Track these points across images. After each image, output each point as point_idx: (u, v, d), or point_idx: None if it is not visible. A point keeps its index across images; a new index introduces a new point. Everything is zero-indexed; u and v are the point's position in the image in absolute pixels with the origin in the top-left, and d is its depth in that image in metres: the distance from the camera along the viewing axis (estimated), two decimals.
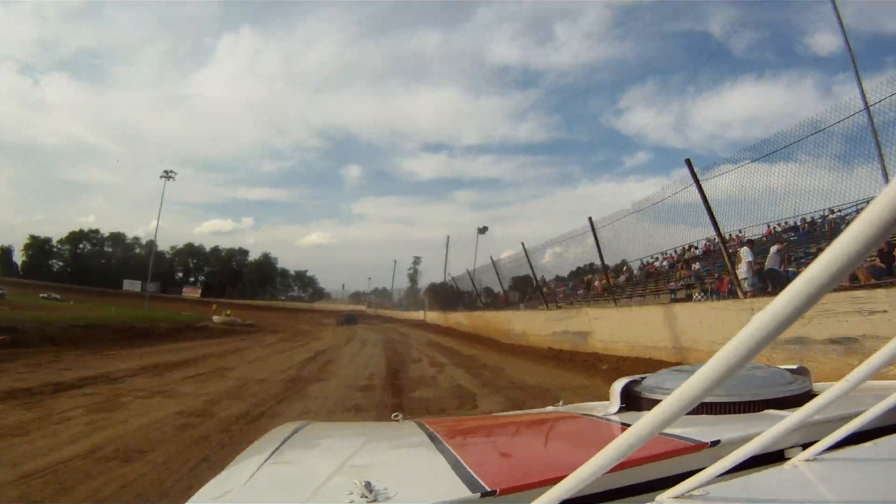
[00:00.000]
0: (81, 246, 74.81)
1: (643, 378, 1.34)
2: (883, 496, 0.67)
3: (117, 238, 75.67)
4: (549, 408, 1.68)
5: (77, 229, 73.53)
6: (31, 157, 75.54)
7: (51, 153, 79.90)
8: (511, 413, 1.82)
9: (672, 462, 0.75)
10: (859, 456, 0.76)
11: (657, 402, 0.43)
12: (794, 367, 1.37)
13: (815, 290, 0.32)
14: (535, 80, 77.97)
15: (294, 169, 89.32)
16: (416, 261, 62.48)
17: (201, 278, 79.56)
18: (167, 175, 44.98)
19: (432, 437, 1.02)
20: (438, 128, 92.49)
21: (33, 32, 73.35)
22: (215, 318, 31.10)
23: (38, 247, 71.52)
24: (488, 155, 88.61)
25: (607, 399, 1.32)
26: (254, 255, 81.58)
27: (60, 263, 73.74)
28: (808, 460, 0.73)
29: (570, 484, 0.49)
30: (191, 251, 79.72)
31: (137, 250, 77.80)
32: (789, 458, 0.76)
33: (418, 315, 41.09)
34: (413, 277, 44.40)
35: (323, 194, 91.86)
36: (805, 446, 0.77)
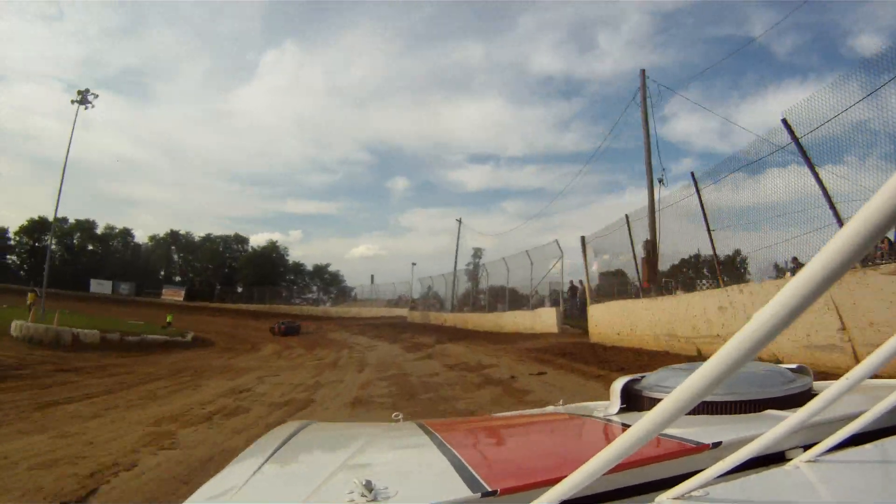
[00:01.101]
0: (44, 238, 61.31)
1: (643, 377, 1.37)
2: (884, 498, 0.69)
3: (85, 227, 61.70)
4: (550, 408, 1.78)
5: (38, 216, 60.05)
6: (79, 173, 76.10)
7: (97, 169, 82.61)
8: (511, 413, 1.85)
9: (673, 463, 0.76)
10: (860, 457, 0.78)
11: (658, 400, 0.44)
12: (795, 365, 1.39)
13: (815, 286, 0.32)
14: (578, 90, 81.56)
15: (341, 182, 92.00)
16: (477, 253, 48.30)
17: (190, 275, 64.94)
18: (82, 100, 31.13)
19: (433, 438, 1.04)
20: (484, 139, 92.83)
21: (77, 52, 77.03)
22: None
23: None
24: (534, 164, 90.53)
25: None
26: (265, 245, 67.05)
27: (15, 259, 60.55)
28: (809, 461, 0.74)
29: (571, 484, 0.51)
30: (174, 241, 65.17)
31: (113, 244, 63.99)
32: (790, 460, 0.77)
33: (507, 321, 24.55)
34: (473, 273, 33.69)
35: (370, 207, 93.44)
36: (806, 447, 0.79)
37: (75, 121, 31.47)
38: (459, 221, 38.19)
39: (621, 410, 1.30)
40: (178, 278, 65.40)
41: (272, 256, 67.26)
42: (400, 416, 1.48)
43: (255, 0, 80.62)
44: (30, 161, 76.87)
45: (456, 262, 36.69)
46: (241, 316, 48.90)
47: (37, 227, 60.81)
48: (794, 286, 0.33)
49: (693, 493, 0.62)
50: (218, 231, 67.88)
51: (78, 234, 62.36)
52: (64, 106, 74.42)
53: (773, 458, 0.78)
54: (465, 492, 0.67)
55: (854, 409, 0.79)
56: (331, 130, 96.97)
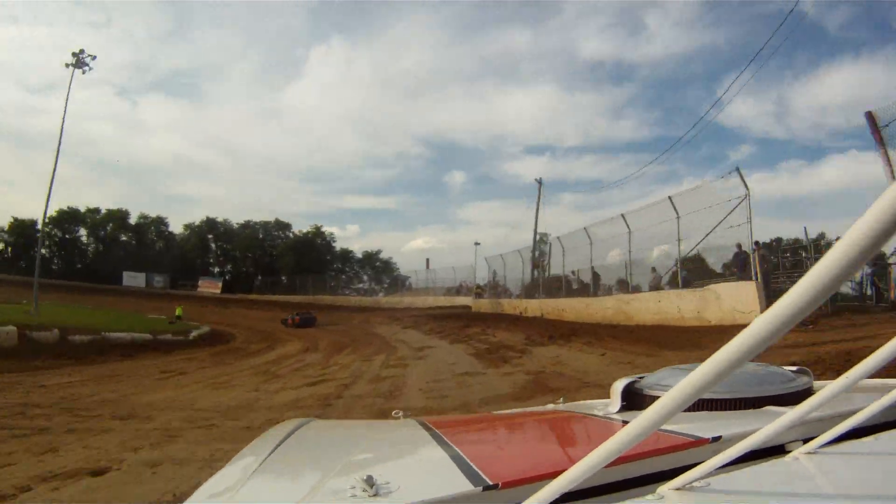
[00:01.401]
0: (74, 230, 57.60)
1: (643, 377, 1.39)
2: (884, 489, 0.70)
3: (117, 217, 57.45)
4: (550, 406, 1.77)
5: (66, 206, 56.28)
6: (136, 174, 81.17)
7: (153, 170, 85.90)
8: (511, 411, 1.92)
9: (674, 456, 0.78)
10: (860, 450, 0.80)
11: (657, 399, 0.45)
12: (795, 367, 1.40)
13: (817, 292, 0.32)
14: (629, 74, 78.98)
15: (399, 177, 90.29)
16: (543, 238, 41.19)
17: (229, 267, 59.73)
18: (77, 63, 27.03)
19: (433, 434, 1.05)
20: (539, 129, 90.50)
21: (126, 56, 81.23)
22: None
23: (20, 232, 55.06)
24: (590, 155, 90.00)
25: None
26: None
27: (46, 252, 57.14)
28: (809, 453, 0.76)
29: (571, 476, 0.52)
30: (211, 229, 59.91)
31: (150, 235, 59.67)
32: (790, 452, 0.79)
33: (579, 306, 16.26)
34: (539, 262, 28.31)
35: (428, 201, 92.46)
36: (806, 442, 0.80)
37: (70, 86, 26.36)
38: (539, 182, 29.85)
39: (622, 409, 1.29)
40: (216, 269, 60.49)
41: (317, 243, 61.07)
42: (400, 414, 1.50)
43: None
44: (86, 164, 79.89)
45: (536, 231, 28.41)
46: (279, 309, 43.61)
47: (66, 218, 57.21)
48: (798, 291, 0.33)
49: (694, 484, 0.63)
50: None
51: (110, 225, 58.39)
52: (118, 110, 79.26)
53: (773, 452, 0.79)
54: (466, 485, 0.67)
55: (853, 407, 0.80)
56: (385, 125, 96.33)
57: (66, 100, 25.82)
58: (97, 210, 58.42)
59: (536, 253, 27.57)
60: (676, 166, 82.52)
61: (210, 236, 60.69)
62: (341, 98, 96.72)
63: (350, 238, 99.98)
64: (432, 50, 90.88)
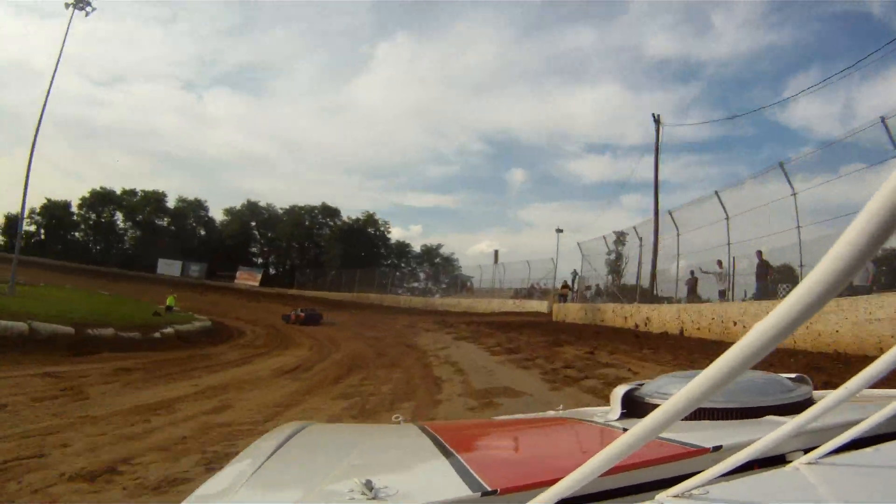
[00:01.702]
0: (109, 212, 54.12)
1: (643, 384, 1.39)
2: (885, 500, 0.70)
3: (152, 200, 53.44)
4: (550, 412, 1.77)
5: (100, 187, 53.11)
6: (201, 167, 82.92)
7: (216, 163, 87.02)
8: (511, 417, 1.90)
9: (673, 465, 0.78)
10: (861, 460, 0.80)
11: (657, 407, 0.45)
12: (795, 375, 1.39)
13: (815, 298, 0.32)
14: (695, 73, 79.73)
15: (459, 174, 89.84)
16: (620, 239, 33.39)
17: (272, 258, 54.44)
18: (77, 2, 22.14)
19: (433, 439, 1.05)
20: (601, 127, 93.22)
21: (191, 50, 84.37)
22: None
23: (53, 214, 52.12)
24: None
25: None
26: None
27: (80, 235, 53.96)
28: (809, 463, 0.76)
29: (570, 483, 0.52)
30: (253, 214, 54.82)
31: (190, 221, 55.46)
32: (791, 462, 0.79)
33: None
34: (615, 265, 25.07)
35: (489, 200, 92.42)
36: (807, 451, 0.80)
37: (68, 28, 21.51)
38: (657, 120, 21.24)
39: (622, 416, 1.29)
40: (259, 260, 55.38)
41: (368, 233, 54.74)
42: (400, 418, 1.51)
43: None
44: (154, 156, 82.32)
45: (658, 191, 19.96)
46: (319, 307, 37.27)
47: (100, 200, 53.85)
48: (795, 297, 0.33)
49: (693, 492, 0.64)
50: None
51: (147, 209, 54.58)
52: (183, 103, 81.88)
53: (773, 461, 0.80)
54: (464, 491, 0.68)
55: (854, 417, 0.80)
56: (447, 121, 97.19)
57: (63, 45, 21.19)
58: (133, 192, 55.00)
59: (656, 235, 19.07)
60: (738, 167, 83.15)
61: (252, 224, 55.74)
62: (404, 93, 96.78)
63: (413, 238, 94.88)
64: (496, 47, 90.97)
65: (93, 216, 54.36)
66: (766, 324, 0.35)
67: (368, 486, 0.68)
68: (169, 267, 49.97)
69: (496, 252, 36.56)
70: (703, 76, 79.32)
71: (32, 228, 54.02)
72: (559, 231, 32.39)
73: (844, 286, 0.32)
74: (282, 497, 0.80)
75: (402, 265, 53.72)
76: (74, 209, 54.13)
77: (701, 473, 0.64)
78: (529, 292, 33.82)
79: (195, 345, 15.11)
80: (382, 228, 56.48)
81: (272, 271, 53.00)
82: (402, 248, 56.76)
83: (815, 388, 1.36)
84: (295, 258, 54.41)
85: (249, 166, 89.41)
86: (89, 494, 3.81)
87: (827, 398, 0.66)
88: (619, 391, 1.34)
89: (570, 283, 26.59)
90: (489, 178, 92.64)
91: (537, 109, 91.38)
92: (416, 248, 57.44)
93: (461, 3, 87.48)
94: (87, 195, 53.82)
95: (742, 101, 74.62)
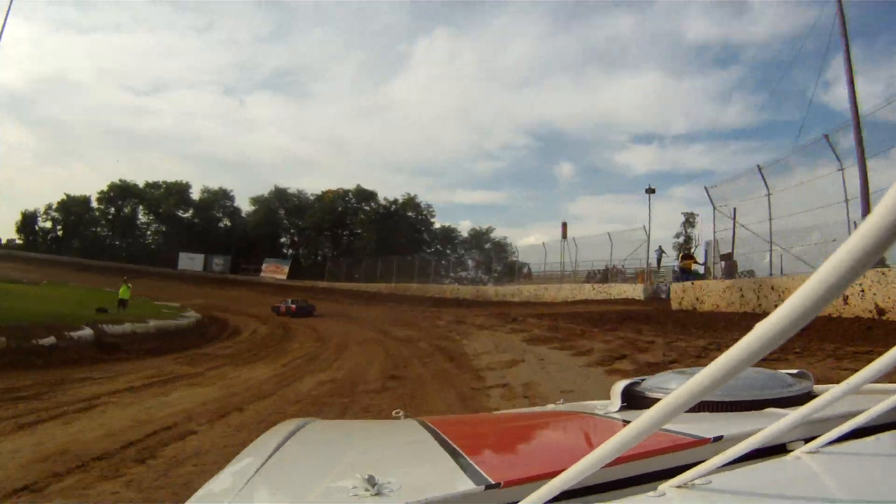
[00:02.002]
0: (131, 205, 50.39)
1: (644, 379, 1.39)
2: (886, 489, 0.70)
3: (175, 191, 49.25)
4: (550, 406, 1.76)
5: (118, 179, 49.56)
6: (246, 170, 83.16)
7: (263, 165, 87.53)
8: (511, 412, 2.00)
9: (675, 455, 0.78)
10: (862, 449, 0.80)
11: (658, 401, 0.45)
12: (796, 371, 1.39)
13: (819, 297, 0.32)
14: (735, 56, 76.10)
15: (506, 169, 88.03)
16: (690, 220, 34.56)
17: (302, 248, 49.34)
18: None
19: (434, 434, 1.05)
20: (645, 116, 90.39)
21: (230, 57, 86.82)
22: None
23: (71, 210, 48.87)
24: (699, 144, 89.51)
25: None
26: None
27: (99, 231, 50.52)
28: (811, 452, 0.77)
29: (572, 475, 0.52)
30: (282, 200, 49.68)
31: (216, 211, 51.07)
32: (792, 451, 0.80)
33: None
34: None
35: (537, 195, 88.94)
36: (808, 441, 0.81)
37: None
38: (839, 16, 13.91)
39: (622, 409, 1.29)
40: (289, 251, 50.15)
41: (408, 217, 48.67)
42: (401, 413, 1.48)
43: None
44: (197, 160, 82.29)
45: (855, 97, 12.93)
46: (350, 300, 32.99)
47: (120, 193, 50.06)
48: (799, 296, 0.33)
49: (695, 482, 0.64)
50: None
51: (169, 201, 50.46)
52: (225, 108, 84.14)
53: (775, 451, 0.80)
54: (468, 484, 0.68)
55: (856, 409, 0.80)
56: (490, 116, 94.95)
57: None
58: (157, 185, 51.12)
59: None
60: (785, 153, 71.61)
61: (281, 212, 50.75)
62: (446, 90, 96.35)
63: (462, 233, 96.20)
64: (535, 40, 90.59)
65: (112, 210, 50.91)
66: (771, 321, 0.34)
67: (371, 481, 0.68)
68: (191, 261, 45.80)
69: (564, 225, 29.47)
70: (743, 58, 76.60)
71: (49, 225, 51.28)
72: (651, 191, 25.06)
73: (853, 282, 0.31)
74: (285, 496, 0.80)
75: (449, 252, 47.35)
76: (95, 204, 50.86)
77: (703, 463, 0.64)
78: (604, 276, 26.96)
79: (124, 355, 10.77)
80: (425, 213, 50.43)
81: (302, 263, 47.70)
82: (448, 234, 50.55)
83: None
84: (326, 248, 49.00)
85: (294, 167, 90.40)
86: None
87: (828, 393, 0.66)
88: (620, 385, 1.33)
89: (691, 252, 19.48)
90: (536, 172, 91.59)
91: (580, 101, 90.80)
92: (464, 232, 51.14)
93: None
94: (105, 189, 50.37)
95: (785, 83, 70.46)
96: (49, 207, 50.20)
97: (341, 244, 48.22)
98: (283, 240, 51.80)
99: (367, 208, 49.81)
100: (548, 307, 21.33)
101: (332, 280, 40.81)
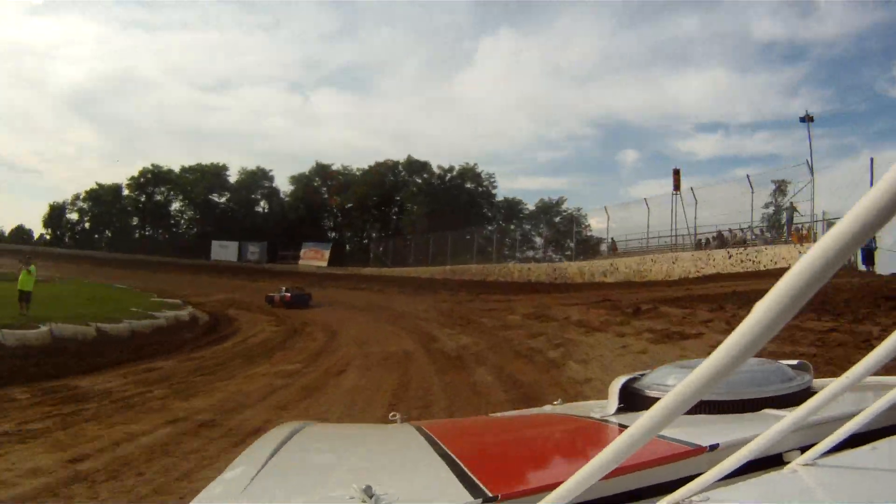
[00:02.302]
0: (164, 193, 46.99)
1: (642, 375, 1.37)
2: (883, 501, 0.70)
3: (211, 174, 45.40)
4: (547, 407, 1.76)
5: (150, 165, 46.77)
6: (310, 165, 71.20)
7: (329, 160, 73.69)
8: (507, 414, 1.90)
9: (670, 467, 0.78)
10: (858, 460, 0.80)
11: (656, 400, 0.44)
12: (795, 362, 1.38)
13: (817, 273, 0.31)
14: (802, 54, 71.24)
15: (570, 158, 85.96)
16: (782, 187, 24.58)
17: (347, 231, 44.36)
18: None
19: (430, 441, 1.06)
20: (710, 107, 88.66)
21: (297, 54, 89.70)
22: None
23: (100, 199, 46.19)
24: (764, 131, 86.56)
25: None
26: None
27: (128, 221, 47.64)
28: (806, 464, 0.77)
29: (566, 490, 0.52)
30: (324, 178, 44.68)
31: (254, 195, 47.02)
32: (788, 462, 0.80)
33: None
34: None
35: (599, 180, 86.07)
36: (804, 449, 0.81)
37: None
38: None
39: (619, 410, 1.29)
40: (333, 234, 45.14)
41: (466, 189, 42.50)
42: (397, 417, 1.50)
43: None
44: (262, 157, 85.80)
45: None
46: (398, 288, 27.84)
47: (151, 179, 46.73)
48: (796, 273, 0.32)
49: (693, 499, 0.64)
50: None
51: (202, 185, 46.63)
52: (290, 104, 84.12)
53: (770, 461, 0.80)
54: (465, 497, 0.69)
55: (852, 408, 0.81)
56: (554, 108, 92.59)
57: None
58: (194, 170, 47.50)
59: None
60: (850, 139, 75.55)
61: (323, 189, 45.68)
62: (510, 85, 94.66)
63: None
64: (599, 38, 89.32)
65: (143, 198, 47.79)
66: (768, 303, 0.33)
67: (368, 492, 0.68)
68: (224, 250, 41.94)
69: (676, 172, 22.48)
70: (810, 56, 75.49)
71: (76, 217, 48.71)
72: (809, 119, 17.80)
73: (842, 262, 0.30)
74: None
75: (513, 228, 40.89)
76: (126, 192, 47.81)
77: (699, 478, 0.64)
78: (721, 241, 20.23)
79: None
80: (486, 184, 44.08)
81: (347, 247, 42.74)
82: (513, 207, 44.00)
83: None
84: (372, 229, 43.76)
85: (359, 161, 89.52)
86: None
87: (826, 390, 0.65)
88: (617, 384, 1.31)
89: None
90: (599, 159, 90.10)
91: (644, 95, 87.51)
92: (531, 205, 44.49)
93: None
94: (135, 175, 47.17)
95: (852, 78, 68.99)
96: (76, 198, 47.82)
97: (390, 224, 42.80)
98: (325, 222, 46.93)
99: (419, 181, 44.03)
100: (670, 287, 14.82)
101: (379, 265, 35.50)
